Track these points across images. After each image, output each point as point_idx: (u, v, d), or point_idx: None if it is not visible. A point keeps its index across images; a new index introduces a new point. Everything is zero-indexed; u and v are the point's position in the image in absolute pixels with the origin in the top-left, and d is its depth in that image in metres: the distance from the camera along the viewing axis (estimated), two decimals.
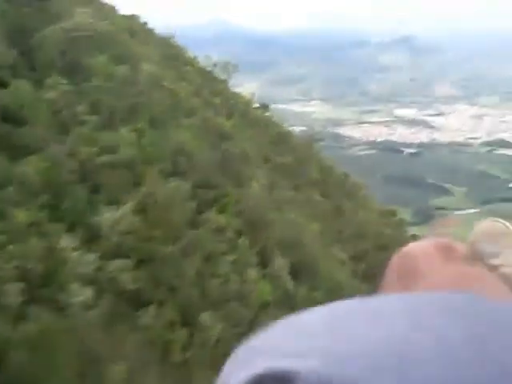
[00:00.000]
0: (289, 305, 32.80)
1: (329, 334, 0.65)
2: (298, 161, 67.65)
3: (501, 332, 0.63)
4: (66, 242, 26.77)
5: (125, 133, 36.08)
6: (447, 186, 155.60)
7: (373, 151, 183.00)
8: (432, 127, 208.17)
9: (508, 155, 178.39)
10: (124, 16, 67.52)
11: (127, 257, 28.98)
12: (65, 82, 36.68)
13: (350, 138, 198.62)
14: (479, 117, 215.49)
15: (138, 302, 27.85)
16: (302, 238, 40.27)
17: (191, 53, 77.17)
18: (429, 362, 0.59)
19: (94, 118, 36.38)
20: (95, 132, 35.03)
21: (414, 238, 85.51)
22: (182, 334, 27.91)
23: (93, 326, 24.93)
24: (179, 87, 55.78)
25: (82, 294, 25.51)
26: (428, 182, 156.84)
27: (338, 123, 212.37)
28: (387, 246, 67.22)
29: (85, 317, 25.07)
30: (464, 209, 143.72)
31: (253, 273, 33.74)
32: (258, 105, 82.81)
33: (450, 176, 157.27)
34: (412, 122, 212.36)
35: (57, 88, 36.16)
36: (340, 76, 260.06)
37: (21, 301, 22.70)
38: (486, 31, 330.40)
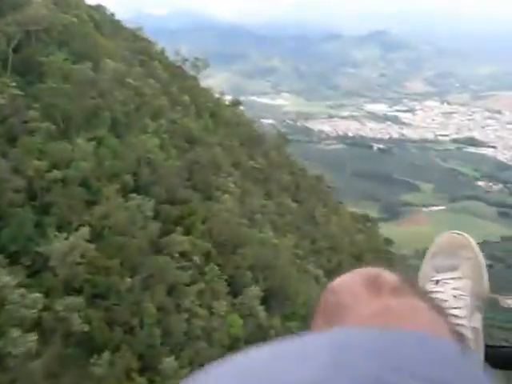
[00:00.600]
0: (262, 339, 29.29)
1: (252, 379, 0.66)
2: (270, 164, 64.66)
3: (408, 378, 0.64)
4: (6, 278, 22.89)
5: (81, 143, 31.94)
6: (416, 182, 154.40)
7: (342, 146, 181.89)
8: (402, 123, 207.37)
9: (477, 153, 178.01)
10: (90, 7, 63.17)
11: (79, 292, 25.22)
12: (14, 84, 32.33)
13: (320, 132, 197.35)
14: (449, 114, 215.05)
15: (90, 346, 24.01)
16: (276, 260, 36.73)
17: (162, 43, 73.06)
18: None
19: (46, 125, 32.12)
20: (47, 143, 30.83)
21: (388, 242, 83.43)
22: (140, 383, 24.23)
23: (37, 377, 21.29)
24: (145, 85, 52.01)
25: (24, 342, 21.74)
26: (397, 178, 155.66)
27: (309, 117, 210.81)
28: (361, 254, 64.97)
29: (28, 368, 21.40)
30: (432, 205, 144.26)
31: (222, 304, 30.12)
32: (229, 100, 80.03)
33: (418, 172, 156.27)
34: (382, 118, 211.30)
35: (4, 91, 31.81)
36: (311, 69, 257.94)
37: None
38: (458, 29, 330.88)
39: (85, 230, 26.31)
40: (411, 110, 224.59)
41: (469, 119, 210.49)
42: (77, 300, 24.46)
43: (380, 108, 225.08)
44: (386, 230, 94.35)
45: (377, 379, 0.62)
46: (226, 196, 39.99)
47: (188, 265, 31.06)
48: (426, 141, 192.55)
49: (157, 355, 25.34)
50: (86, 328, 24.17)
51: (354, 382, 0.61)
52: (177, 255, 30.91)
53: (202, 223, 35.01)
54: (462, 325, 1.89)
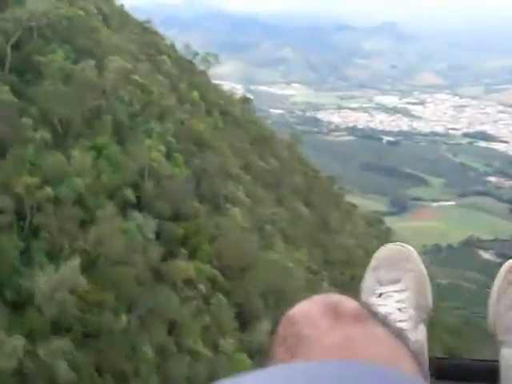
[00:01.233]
0: None
1: None
2: (282, 165, 61.63)
3: None
4: None
5: (77, 155, 28.68)
6: (425, 176, 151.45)
7: (352, 137, 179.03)
8: (412, 116, 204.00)
9: (488, 148, 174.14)
10: None
11: (67, 330, 22.16)
12: (7, 88, 29.07)
13: (329, 123, 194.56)
14: (461, 107, 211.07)
15: None
16: (288, 283, 33.51)
17: (174, 32, 70.06)
18: None
19: (40, 133, 28.88)
20: (40, 154, 27.64)
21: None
22: None
23: None
24: (153, 82, 48.88)
25: None
26: (406, 171, 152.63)
27: (318, 107, 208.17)
28: None
29: None
30: (441, 200, 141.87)
31: (228, 343, 26.93)
32: (240, 95, 77.13)
33: (428, 166, 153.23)
34: (392, 110, 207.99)
35: None
36: (322, 60, 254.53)
37: None
38: (471, 21, 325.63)
39: (76, 261, 23.17)
40: (422, 103, 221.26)
41: (481, 113, 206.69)
42: (64, 343, 21.37)
43: (390, 100, 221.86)
44: (393, 224, 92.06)
45: None
46: (236, 210, 36.86)
47: (192, 295, 27.90)
48: (436, 134, 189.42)
49: None
50: (73, 376, 21.12)
51: None
52: (180, 284, 27.78)
53: (209, 243, 31.88)
54: None
